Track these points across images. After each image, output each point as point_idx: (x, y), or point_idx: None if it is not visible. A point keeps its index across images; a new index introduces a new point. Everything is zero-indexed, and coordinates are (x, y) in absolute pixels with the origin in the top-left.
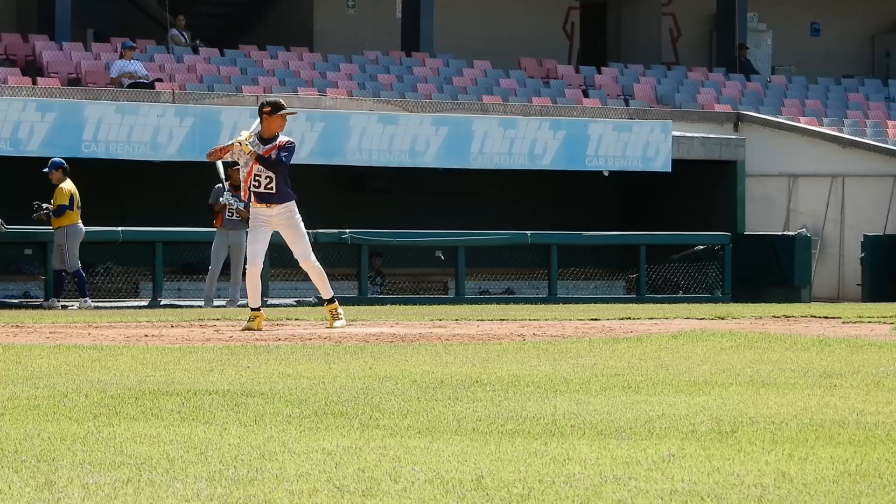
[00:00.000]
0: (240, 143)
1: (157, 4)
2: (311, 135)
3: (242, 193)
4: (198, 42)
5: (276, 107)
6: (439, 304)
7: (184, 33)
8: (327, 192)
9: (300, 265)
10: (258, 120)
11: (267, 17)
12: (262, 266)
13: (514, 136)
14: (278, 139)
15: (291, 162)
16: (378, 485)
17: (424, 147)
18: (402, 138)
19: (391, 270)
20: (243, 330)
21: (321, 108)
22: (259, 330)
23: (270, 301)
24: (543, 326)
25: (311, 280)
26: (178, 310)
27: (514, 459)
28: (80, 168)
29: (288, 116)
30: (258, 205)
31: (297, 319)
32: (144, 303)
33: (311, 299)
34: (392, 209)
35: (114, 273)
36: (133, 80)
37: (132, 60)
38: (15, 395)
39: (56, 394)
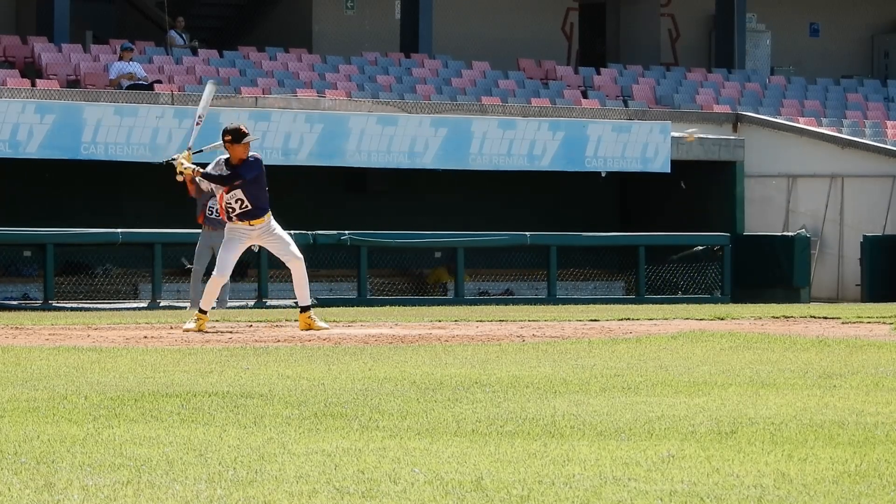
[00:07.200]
0: (176, 160)
1: (155, 6)
2: (309, 136)
3: (221, 213)
4: (196, 43)
5: (238, 135)
6: (439, 306)
7: (182, 35)
8: (326, 193)
9: (289, 265)
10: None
11: (266, 18)
12: (227, 277)
13: (513, 137)
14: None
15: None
16: (378, 486)
17: (423, 148)
18: (401, 139)
19: (391, 271)
20: (185, 331)
21: (320, 109)
22: (202, 332)
23: (270, 302)
24: (543, 327)
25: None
26: (178, 311)
27: (513, 460)
28: (78, 170)
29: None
30: (238, 222)
31: (296, 321)
32: (144, 304)
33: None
34: (391, 210)
35: (113, 275)
36: (132, 82)
37: (131, 62)
38: (14, 397)
39: (55, 396)
